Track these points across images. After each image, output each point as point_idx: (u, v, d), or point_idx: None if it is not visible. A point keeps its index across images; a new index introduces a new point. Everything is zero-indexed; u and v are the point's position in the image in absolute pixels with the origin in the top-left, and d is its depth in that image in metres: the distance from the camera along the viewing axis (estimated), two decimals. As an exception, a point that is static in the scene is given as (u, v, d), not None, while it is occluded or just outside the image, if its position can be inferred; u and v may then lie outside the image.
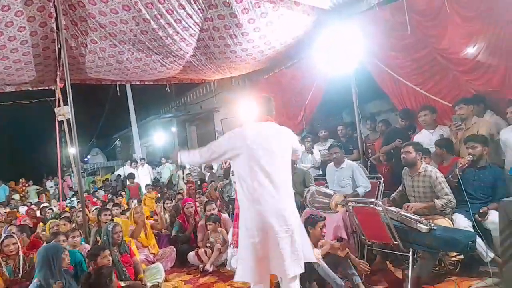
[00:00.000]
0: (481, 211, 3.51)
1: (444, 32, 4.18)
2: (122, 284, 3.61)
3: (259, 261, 2.59)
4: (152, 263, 4.64)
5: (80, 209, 5.19)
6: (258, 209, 2.61)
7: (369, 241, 3.66)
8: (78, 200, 9.47)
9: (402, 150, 3.87)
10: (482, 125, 4.00)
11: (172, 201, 6.65)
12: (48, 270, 3.02)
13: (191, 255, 4.86)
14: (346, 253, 3.45)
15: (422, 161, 3.82)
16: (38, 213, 7.77)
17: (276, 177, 2.65)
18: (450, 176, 3.79)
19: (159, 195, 8.63)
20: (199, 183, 9.56)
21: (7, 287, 3.49)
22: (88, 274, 3.07)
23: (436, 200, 3.59)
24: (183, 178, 10.76)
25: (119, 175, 14.77)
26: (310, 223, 3.67)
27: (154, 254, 4.96)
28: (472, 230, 3.35)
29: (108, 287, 2.86)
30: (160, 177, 12.17)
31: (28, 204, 10.45)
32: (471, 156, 3.66)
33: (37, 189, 13.72)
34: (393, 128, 5.52)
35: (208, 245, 4.83)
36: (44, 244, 4.39)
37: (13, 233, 4.16)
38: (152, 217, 6.59)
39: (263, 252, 2.59)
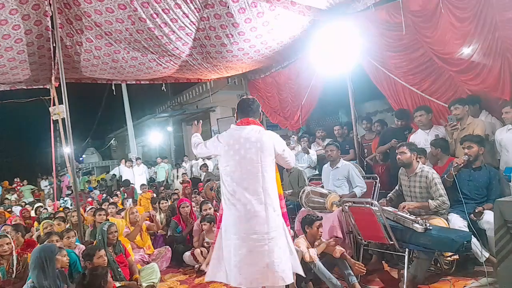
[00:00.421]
0: (476, 211, 3.53)
1: (439, 33, 4.20)
2: (117, 284, 3.59)
3: (233, 263, 2.57)
4: (147, 263, 4.62)
5: (75, 209, 5.15)
6: (234, 213, 2.60)
7: (365, 241, 3.67)
8: (72, 200, 9.42)
9: (397, 150, 3.88)
10: (477, 125, 4.02)
11: (167, 200, 6.63)
12: (41, 271, 2.98)
13: (187, 255, 4.84)
14: (342, 253, 3.45)
15: (418, 161, 3.83)
16: (33, 213, 7.72)
17: (253, 183, 2.59)
18: (445, 176, 3.81)
19: (154, 195, 8.59)
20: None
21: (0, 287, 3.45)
22: (83, 275, 3.04)
23: (430, 201, 3.60)
24: (177, 177, 10.73)
25: (114, 175, 14.72)
26: (307, 222, 3.68)
27: (149, 254, 4.94)
28: (467, 230, 3.37)
29: (104, 287, 2.83)
30: (156, 177, 12.13)
31: (23, 203, 10.38)
32: (467, 156, 3.68)
33: (31, 189, 13.63)
34: (389, 128, 5.54)
35: (205, 245, 4.82)
36: (38, 244, 4.37)
37: (7, 232, 4.11)
38: (148, 217, 6.56)
39: (238, 256, 2.55)
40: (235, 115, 2.92)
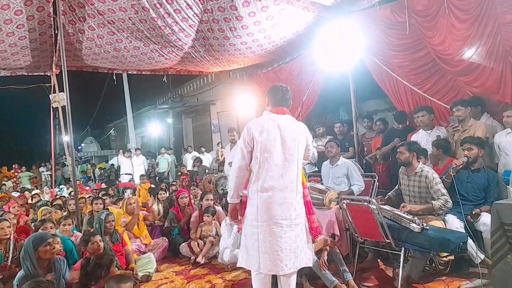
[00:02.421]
0: (473, 212, 3.55)
1: (441, 33, 4.19)
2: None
3: (262, 250, 2.62)
4: (144, 253, 4.63)
5: (73, 197, 5.15)
6: (266, 199, 2.65)
7: (361, 239, 3.68)
8: (69, 188, 9.43)
9: (397, 150, 3.89)
10: (479, 127, 4.03)
11: (166, 192, 6.63)
12: (30, 261, 2.99)
13: (183, 246, 4.86)
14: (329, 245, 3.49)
15: (418, 161, 3.84)
16: (30, 200, 7.72)
17: (289, 171, 2.68)
18: (444, 177, 3.82)
19: (152, 185, 8.60)
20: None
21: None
22: (87, 260, 3.04)
23: (433, 202, 3.61)
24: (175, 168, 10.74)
25: (112, 165, 14.72)
26: None
27: (146, 244, 4.95)
28: (464, 231, 3.38)
29: (105, 277, 2.84)
30: (157, 167, 12.11)
31: (19, 190, 10.39)
32: (466, 158, 3.69)
33: (29, 176, 13.64)
34: (392, 128, 5.52)
35: (211, 238, 4.81)
36: (33, 230, 4.38)
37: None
38: (144, 207, 6.58)
39: (266, 242, 2.61)
40: (266, 100, 2.91)
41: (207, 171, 10.04)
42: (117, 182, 10.86)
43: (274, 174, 2.66)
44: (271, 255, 2.60)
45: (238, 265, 2.82)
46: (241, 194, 2.83)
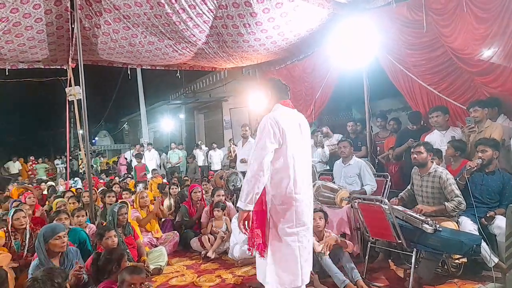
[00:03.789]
0: (488, 215, 3.49)
1: (459, 32, 4.10)
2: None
3: (303, 259, 2.39)
4: (155, 246, 4.70)
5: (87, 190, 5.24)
6: (299, 204, 2.40)
7: (372, 238, 3.66)
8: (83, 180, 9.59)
9: (413, 150, 3.83)
10: (495, 129, 3.94)
11: (178, 186, 6.68)
12: (42, 252, 3.06)
13: (194, 241, 4.90)
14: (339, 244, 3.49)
15: (432, 161, 3.78)
16: (45, 192, 7.88)
17: (309, 170, 2.53)
18: (458, 179, 3.75)
19: (164, 180, 8.69)
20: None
21: (14, 260, 3.56)
22: (97, 255, 3.09)
23: (446, 203, 3.56)
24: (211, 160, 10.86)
25: (125, 159, 14.89)
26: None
27: (157, 238, 5.01)
28: (477, 233, 3.33)
29: (116, 272, 2.88)
30: (167, 162, 12.22)
31: (35, 181, 10.61)
32: (480, 160, 3.62)
33: (45, 167, 13.91)
34: (405, 128, 5.45)
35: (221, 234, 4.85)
36: (47, 221, 4.48)
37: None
38: (153, 200, 6.66)
39: (306, 248, 2.42)
40: (269, 94, 2.69)
41: (196, 168, 10.14)
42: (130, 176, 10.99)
43: (304, 174, 2.44)
44: (309, 261, 2.41)
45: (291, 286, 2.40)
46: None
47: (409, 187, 4.07)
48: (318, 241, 3.55)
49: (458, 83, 4.51)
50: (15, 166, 13.79)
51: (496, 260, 3.25)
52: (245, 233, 2.43)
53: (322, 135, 6.33)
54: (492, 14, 3.76)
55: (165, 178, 10.04)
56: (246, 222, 2.40)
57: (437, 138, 4.50)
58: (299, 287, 2.38)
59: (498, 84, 4.00)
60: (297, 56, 7.15)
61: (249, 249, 2.51)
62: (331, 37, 5.49)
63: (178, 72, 7.75)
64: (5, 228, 3.76)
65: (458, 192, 3.57)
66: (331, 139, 6.58)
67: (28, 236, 3.79)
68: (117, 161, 16.32)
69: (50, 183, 9.12)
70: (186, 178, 8.56)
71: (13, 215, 3.78)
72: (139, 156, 9.86)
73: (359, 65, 5.26)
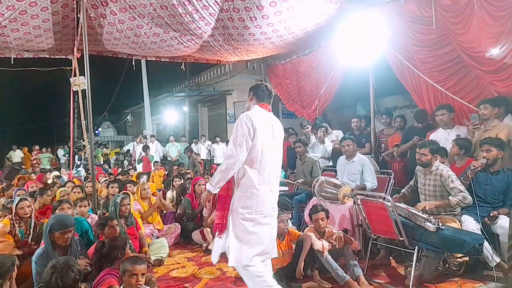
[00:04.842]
0: (491, 214, 3.47)
1: (470, 30, 4.05)
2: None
3: (258, 241, 2.71)
4: (157, 238, 4.71)
5: (90, 180, 5.26)
6: (261, 193, 2.71)
7: (374, 235, 3.65)
8: (87, 170, 9.63)
9: (418, 150, 3.80)
10: (502, 129, 3.90)
11: (181, 179, 6.69)
12: (47, 241, 3.08)
13: (196, 233, 4.91)
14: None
15: (436, 160, 3.76)
16: (50, 181, 7.92)
17: (277, 167, 2.84)
18: (462, 178, 3.73)
19: (166, 172, 8.70)
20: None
21: (18, 247, 3.59)
22: (101, 243, 3.11)
23: (450, 197, 3.53)
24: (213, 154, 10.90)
25: (128, 150, 14.93)
26: (312, 212, 3.72)
27: (159, 230, 5.03)
28: (480, 233, 3.31)
29: (120, 258, 2.90)
30: (164, 155, 12.23)
31: (38, 170, 10.66)
32: (485, 160, 3.60)
33: (49, 157, 13.96)
34: (411, 126, 5.42)
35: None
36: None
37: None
38: (157, 192, 6.68)
39: (260, 232, 2.71)
40: (251, 96, 2.94)
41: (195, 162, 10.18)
42: (132, 169, 11.03)
43: (270, 168, 2.74)
44: (267, 245, 2.74)
45: (230, 265, 2.71)
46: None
47: (411, 182, 4.05)
48: (319, 239, 3.55)
49: (465, 81, 4.47)
50: (16, 155, 13.84)
51: (498, 260, 3.24)
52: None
53: (325, 130, 6.30)
54: (506, 11, 3.69)
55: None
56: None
57: (442, 136, 4.46)
58: (254, 266, 2.69)
59: (509, 84, 3.95)
60: (302, 50, 7.11)
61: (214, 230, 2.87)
62: (337, 32, 5.44)
63: (183, 64, 7.73)
64: (9, 216, 3.79)
65: (462, 187, 3.54)
66: (331, 135, 6.56)
67: (32, 224, 3.81)
68: (119, 152, 16.36)
69: (55, 172, 9.15)
70: (188, 170, 8.56)
71: (17, 203, 3.80)
72: (146, 148, 10.00)
73: (365, 61, 5.22)
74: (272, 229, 2.82)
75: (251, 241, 2.68)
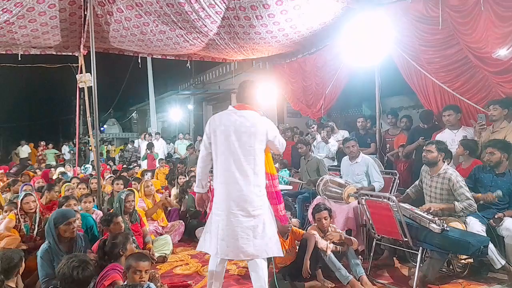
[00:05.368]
0: (496, 216, 3.44)
1: (477, 30, 4.02)
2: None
3: (220, 237, 2.76)
4: (161, 235, 4.73)
5: (95, 176, 5.29)
6: (224, 191, 2.79)
7: (378, 235, 3.64)
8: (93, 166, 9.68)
9: (424, 148, 3.78)
10: (511, 131, 3.87)
11: (186, 176, 6.71)
12: (52, 236, 3.11)
13: (199, 230, 4.91)
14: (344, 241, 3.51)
15: (444, 162, 3.73)
16: (55, 176, 7.97)
17: (245, 165, 2.75)
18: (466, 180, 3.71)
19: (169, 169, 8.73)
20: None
21: (22, 242, 3.62)
22: (103, 241, 3.13)
23: (456, 203, 3.51)
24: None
25: (134, 146, 14.95)
26: (315, 211, 3.72)
27: (163, 226, 5.05)
28: (485, 235, 3.29)
29: (123, 254, 2.91)
30: (174, 152, 12.26)
31: (44, 166, 10.73)
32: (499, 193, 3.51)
33: (55, 153, 14.05)
34: (416, 126, 5.39)
35: None
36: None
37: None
38: (161, 189, 6.71)
39: (224, 230, 2.75)
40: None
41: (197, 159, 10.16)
42: (136, 164, 11.07)
43: (229, 167, 2.76)
44: (228, 242, 2.73)
45: (197, 249, 2.95)
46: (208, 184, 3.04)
47: (417, 182, 4.02)
48: (322, 237, 3.54)
49: (472, 82, 4.44)
50: (23, 150, 13.95)
51: (503, 262, 3.22)
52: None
53: (330, 129, 6.28)
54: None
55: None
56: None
57: (448, 137, 4.43)
58: (216, 256, 2.83)
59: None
60: (308, 49, 7.09)
61: None
62: (344, 31, 5.42)
63: (188, 62, 7.74)
64: (15, 211, 3.82)
65: (469, 194, 3.51)
66: (337, 135, 6.54)
67: (37, 219, 3.84)
68: (124, 149, 16.43)
69: (60, 169, 9.21)
70: (193, 168, 8.58)
71: (23, 199, 3.84)
72: (151, 145, 10.13)
73: (371, 61, 5.20)
74: (239, 230, 2.72)
75: (216, 234, 2.78)
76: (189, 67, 8.01)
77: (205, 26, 5.68)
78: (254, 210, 2.75)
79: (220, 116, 2.87)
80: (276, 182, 2.95)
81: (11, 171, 8.35)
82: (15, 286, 2.62)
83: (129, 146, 14.22)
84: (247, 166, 2.76)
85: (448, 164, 3.88)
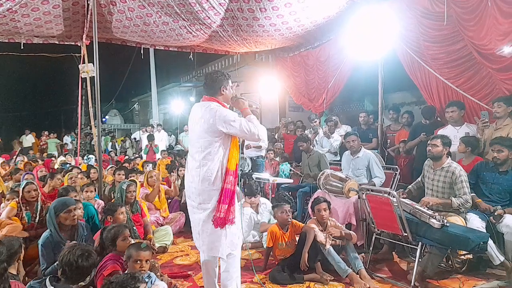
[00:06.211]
0: (496, 212, 3.45)
1: (482, 27, 3.99)
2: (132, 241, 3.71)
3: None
4: (162, 225, 4.76)
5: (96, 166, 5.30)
6: (186, 182, 2.88)
7: (378, 230, 3.65)
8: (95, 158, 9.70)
9: (429, 142, 3.77)
10: (515, 128, 3.86)
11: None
12: (53, 225, 3.13)
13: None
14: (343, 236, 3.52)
15: (448, 156, 3.73)
16: (56, 165, 8.00)
17: (197, 158, 2.72)
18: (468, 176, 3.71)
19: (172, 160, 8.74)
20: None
21: (24, 230, 3.64)
22: (102, 231, 3.15)
23: (453, 198, 3.53)
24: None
25: (134, 138, 15.00)
26: (314, 204, 3.75)
27: (164, 217, 5.08)
28: (485, 231, 3.30)
29: (120, 245, 2.92)
30: (175, 144, 12.26)
31: (45, 156, 10.75)
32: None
33: (57, 142, 14.07)
34: (419, 122, 5.38)
35: None
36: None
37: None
38: (163, 181, 6.71)
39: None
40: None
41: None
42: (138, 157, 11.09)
43: (188, 158, 2.86)
44: (196, 232, 2.80)
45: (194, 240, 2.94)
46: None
47: (419, 178, 4.03)
48: (322, 231, 3.56)
49: (476, 78, 4.42)
50: (27, 139, 13.97)
51: (502, 258, 3.23)
52: None
53: (333, 124, 6.27)
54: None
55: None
56: None
57: (451, 133, 4.39)
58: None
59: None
60: (311, 43, 7.06)
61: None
62: (348, 25, 5.38)
63: (191, 54, 7.71)
64: (17, 199, 3.84)
65: (467, 190, 3.52)
66: (340, 130, 6.53)
67: (39, 208, 3.87)
68: (125, 140, 16.44)
69: (62, 158, 9.23)
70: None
71: (24, 187, 3.86)
72: (151, 137, 10.14)
73: (375, 56, 5.16)
74: (192, 220, 2.79)
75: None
76: (192, 59, 7.98)
77: (208, 17, 5.65)
78: (201, 203, 2.68)
79: (195, 107, 2.90)
80: (229, 179, 2.65)
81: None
82: (16, 273, 2.65)
83: (127, 142, 14.21)
84: (197, 158, 2.70)
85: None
